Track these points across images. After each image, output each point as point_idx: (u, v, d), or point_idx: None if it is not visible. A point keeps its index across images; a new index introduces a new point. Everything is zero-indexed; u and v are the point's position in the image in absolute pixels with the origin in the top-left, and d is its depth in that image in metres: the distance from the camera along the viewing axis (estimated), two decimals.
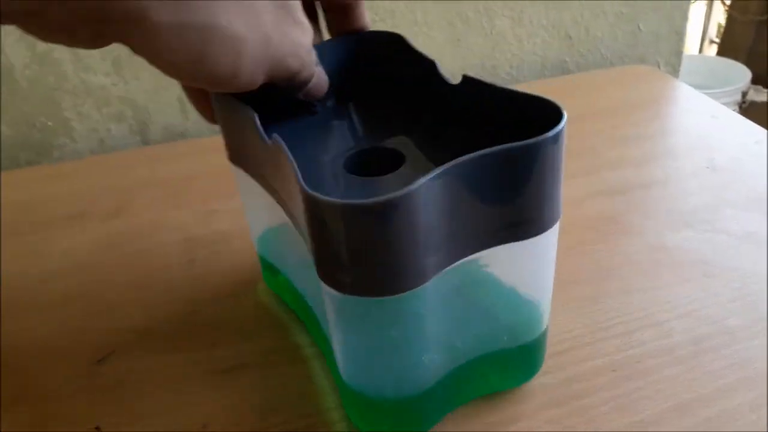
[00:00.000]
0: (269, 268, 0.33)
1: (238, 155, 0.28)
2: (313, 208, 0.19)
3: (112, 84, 0.48)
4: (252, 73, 0.22)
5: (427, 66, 0.27)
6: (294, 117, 0.29)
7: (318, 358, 0.29)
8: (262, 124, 0.23)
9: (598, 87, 0.54)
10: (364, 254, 0.20)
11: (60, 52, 0.46)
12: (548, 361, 0.28)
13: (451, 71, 0.25)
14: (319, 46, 0.28)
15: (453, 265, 0.22)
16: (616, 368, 0.28)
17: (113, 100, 0.49)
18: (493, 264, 0.24)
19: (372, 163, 0.26)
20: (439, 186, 0.20)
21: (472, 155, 0.20)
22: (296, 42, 0.23)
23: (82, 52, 0.47)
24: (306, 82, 0.25)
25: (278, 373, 0.29)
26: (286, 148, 0.22)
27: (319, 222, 0.20)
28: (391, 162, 0.25)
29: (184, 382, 0.29)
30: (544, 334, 0.27)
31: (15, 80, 0.47)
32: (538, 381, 0.28)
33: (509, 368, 0.27)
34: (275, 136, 0.22)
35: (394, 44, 0.29)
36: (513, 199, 0.21)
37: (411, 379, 0.24)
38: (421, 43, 0.52)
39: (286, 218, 0.25)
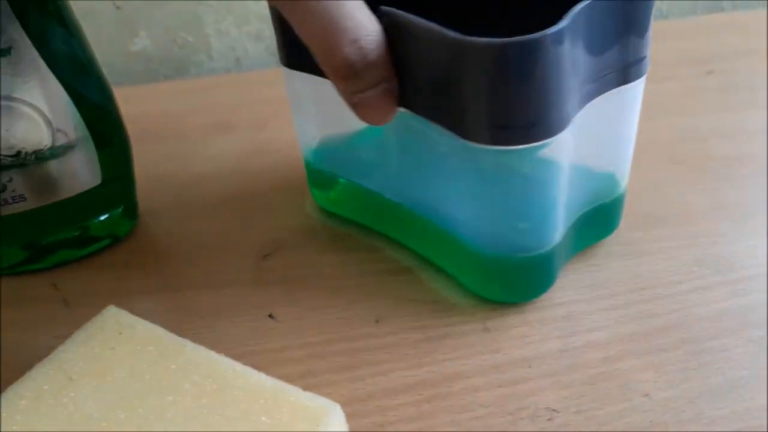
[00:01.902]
0: (324, 183, 0.31)
1: (299, 57, 0.26)
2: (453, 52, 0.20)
3: (254, 0, 0.48)
4: None
5: None
6: None
7: None
8: None
9: (759, 26, 0.50)
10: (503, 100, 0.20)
11: None
12: (742, 284, 0.26)
13: None
14: None
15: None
16: None
17: (252, 18, 0.49)
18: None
19: None
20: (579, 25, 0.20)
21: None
22: None
23: None
24: None
25: (447, 276, 0.28)
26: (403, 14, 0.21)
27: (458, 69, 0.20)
28: None
29: (351, 279, 0.28)
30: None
31: None
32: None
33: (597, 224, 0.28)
34: (385, 8, 0.21)
35: None
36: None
37: (542, 236, 0.24)
38: None
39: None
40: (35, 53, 0.25)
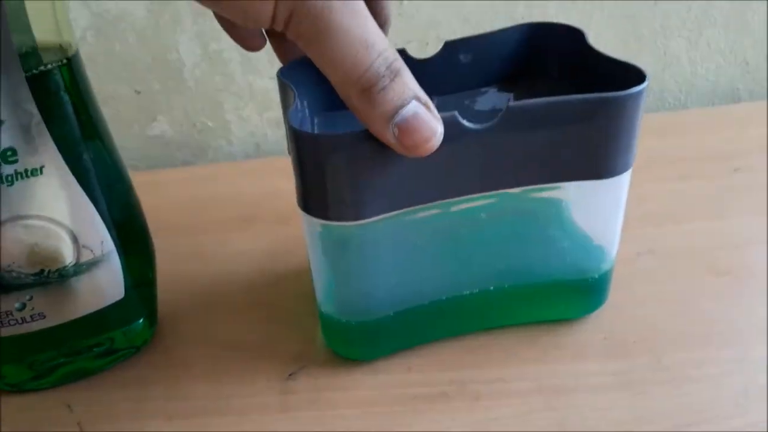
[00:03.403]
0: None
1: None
2: (292, 140, 0.23)
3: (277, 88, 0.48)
4: None
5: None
6: None
7: (520, 394, 0.27)
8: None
9: None
10: (317, 182, 0.23)
11: (230, 52, 0.46)
12: None
13: None
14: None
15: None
16: None
17: (275, 105, 0.48)
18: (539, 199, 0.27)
19: None
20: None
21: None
22: None
23: (252, 54, 0.46)
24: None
25: (483, 407, 0.26)
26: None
27: (297, 153, 0.23)
28: None
29: (385, 406, 0.27)
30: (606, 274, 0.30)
31: (183, 79, 0.47)
32: None
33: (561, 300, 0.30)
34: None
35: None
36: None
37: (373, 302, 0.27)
38: None
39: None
40: (68, 173, 0.25)
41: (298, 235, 0.38)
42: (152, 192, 0.44)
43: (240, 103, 0.48)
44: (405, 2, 0.46)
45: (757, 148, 0.45)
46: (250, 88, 0.48)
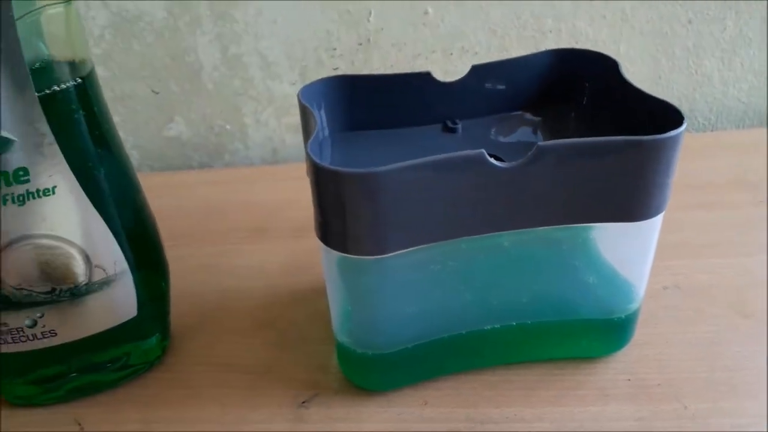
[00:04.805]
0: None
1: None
2: (312, 172, 0.22)
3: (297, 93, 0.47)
4: None
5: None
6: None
7: None
8: None
9: None
10: (335, 215, 0.23)
11: (249, 56, 0.45)
12: None
13: None
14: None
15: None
16: None
17: (294, 110, 0.48)
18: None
19: None
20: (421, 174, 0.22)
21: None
22: None
23: (272, 57, 0.45)
24: None
25: None
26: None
27: (317, 186, 0.23)
28: None
29: None
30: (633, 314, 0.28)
31: (202, 82, 0.46)
32: None
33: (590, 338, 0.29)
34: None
35: None
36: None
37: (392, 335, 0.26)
38: None
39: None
40: (81, 192, 0.24)
41: (313, 249, 0.37)
42: (167, 196, 0.44)
43: (258, 107, 0.47)
44: (430, 12, 0.45)
45: None
46: (269, 92, 0.47)
